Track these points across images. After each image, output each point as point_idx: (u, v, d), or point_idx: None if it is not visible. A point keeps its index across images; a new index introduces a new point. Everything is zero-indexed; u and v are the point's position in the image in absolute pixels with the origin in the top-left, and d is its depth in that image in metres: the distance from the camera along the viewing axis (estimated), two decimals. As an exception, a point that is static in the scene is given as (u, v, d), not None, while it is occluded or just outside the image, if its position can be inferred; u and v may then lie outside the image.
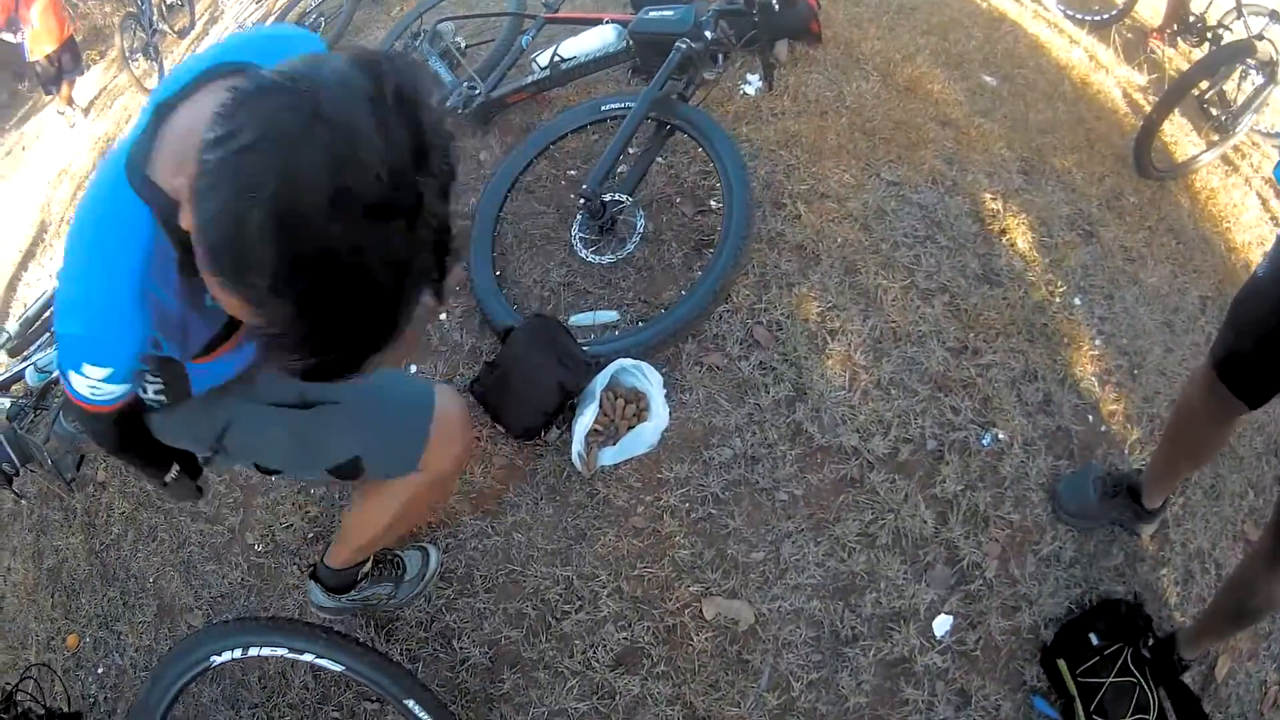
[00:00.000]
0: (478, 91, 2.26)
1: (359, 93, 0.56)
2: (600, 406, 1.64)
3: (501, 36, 2.42)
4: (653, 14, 1.97)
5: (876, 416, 1.65)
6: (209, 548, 1.77)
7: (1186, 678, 1.37)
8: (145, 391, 0.98)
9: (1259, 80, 2.49)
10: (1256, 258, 2.31)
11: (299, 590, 1.64)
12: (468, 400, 1.75)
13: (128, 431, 1.04)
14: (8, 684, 1.51)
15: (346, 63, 0.58)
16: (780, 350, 1.74)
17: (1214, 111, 2.60)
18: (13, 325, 2.33)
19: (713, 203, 2.00)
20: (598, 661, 1.44)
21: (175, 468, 1.14)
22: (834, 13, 2.65)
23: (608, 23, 2.15)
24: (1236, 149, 2.66)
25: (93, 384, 0.85)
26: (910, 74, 2.45)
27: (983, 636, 1.43)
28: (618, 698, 1.41)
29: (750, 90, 2.34)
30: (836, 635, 1.44)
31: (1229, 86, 2.62)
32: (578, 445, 1.59)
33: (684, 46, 1.85)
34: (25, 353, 2.18)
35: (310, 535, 1.70)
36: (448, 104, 2.27)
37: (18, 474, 1.76)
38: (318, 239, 0.55)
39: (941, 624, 1.44)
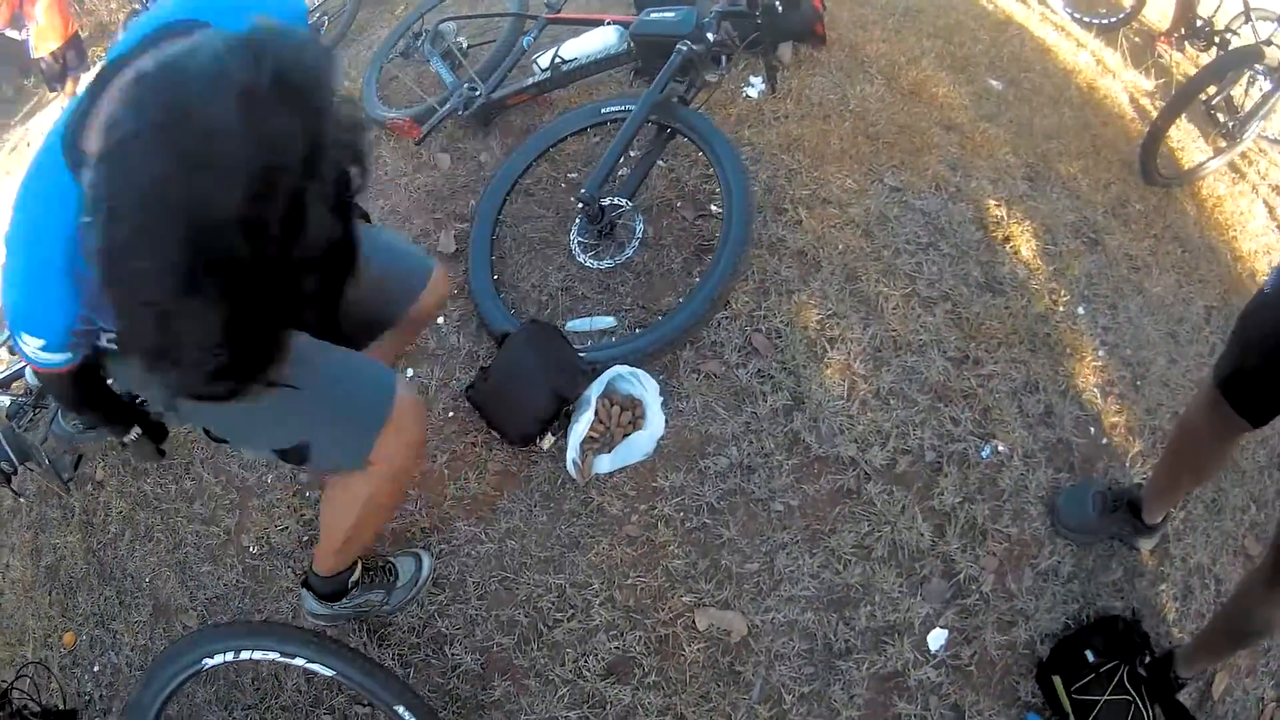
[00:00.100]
0: (478, 93, 2.25)
1: (230, 86, 0.50)
2: (596, 414, 1.63)
3: (503, 37, 2.41)
4: (654, 15, 1.96)
5: (875, 427, 1.64)
6: (204, 549, 1.77)
7: (1183, 694, 1.36)
8: (100, 339, 0.97)
9: (1267, 86, 2.45)
10: (1262, 267, 2.29)
11: (293, 593, 1.64)
12: (462, 405, 1.75)
13: (87, 391, 1.05)
14: (3, 681, 1.51)
15: (225, 48, 0.52)
16: (779, 358, 1.73)
17: (1221, 117, 2.56)
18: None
19: (714, 207, 1.99)
20: (589, 670, 1.43)
21: (136, 429, 1.14)
22: (839, 14, 2.63)
23: (609, 24, 2.14)
24: (1244, 156, 2.63)
25: (33, 351, 0.86)
26: (915, 77, 2.43)
27: (978, 651, 1.42)
28: (608, 707, 1.40)
29: (753, 93, 2.32)
30: (830, 648, 1.43)
31: (1236, 92, 2.59)
32: (573, 452, 1.58)
33: (686, 49, 1.84)
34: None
35: (305, 539, 1.70)
36: (449, 107, 2.23)
37: (16, 472, 1.77)
38: (168, 254, 0.50)
39: (936, 638, 1.43)
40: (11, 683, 1.48)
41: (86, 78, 5.27)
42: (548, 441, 1.67)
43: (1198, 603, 1.56)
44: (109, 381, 1.10)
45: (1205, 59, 2.95)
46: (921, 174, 2.12)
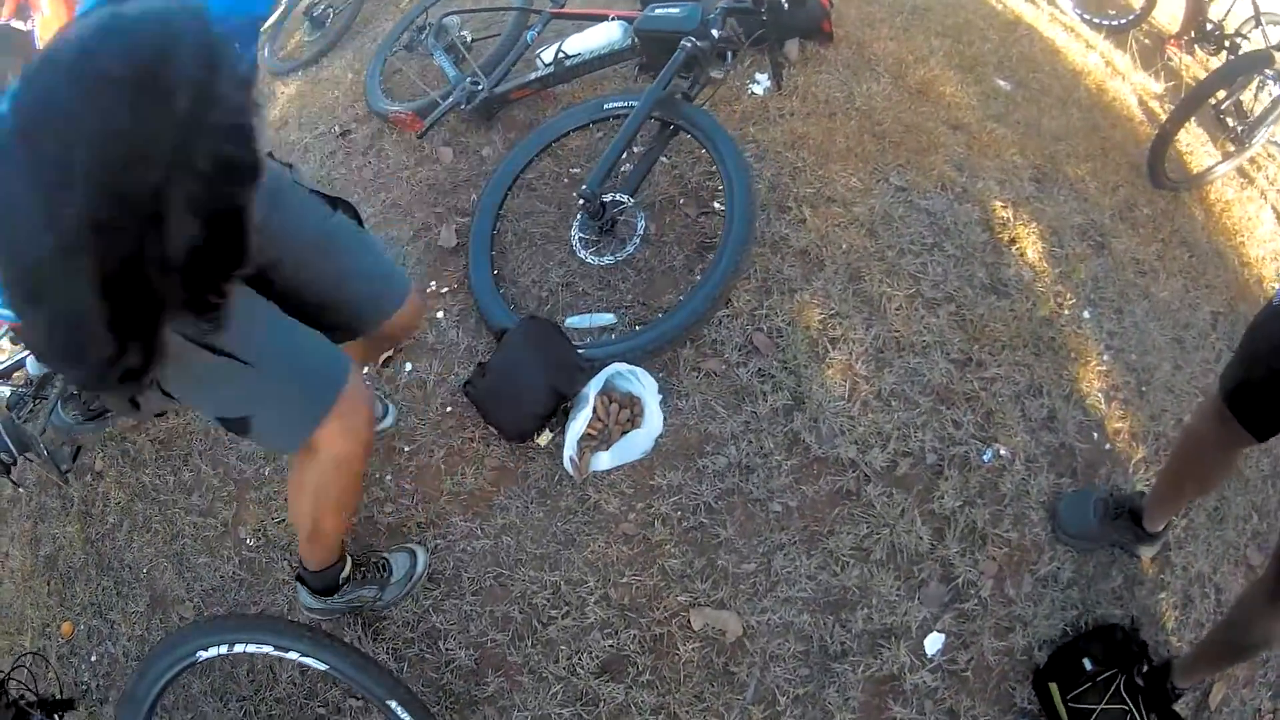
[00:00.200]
0: (481, 87, 2.24)
1: (92, 78, 0.48)
2: (594, 411, 1.62)
3: (506, 31, 2.40)
4: (659, 10, 1.94)
5: (876, 428, 1.63)
6: (202, 540, 1.77)
7: (1180, 704, 1.34)
8: None
9: (1277, 91, 2.42)
10: (1270, 273, 2.27)
11: (289, 586, 1.63)
12: (460, 401, 1.74)
13: None
14: (1, 670, 1.51)
15: (95, 30, 0.49)
16: (780, 358, 1.72)
17: (1230, 122, 2.53)
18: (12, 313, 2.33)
19: (716, 204, 1.97)
20: (582, 668, 1.43)
21: None
22: (846, 12, 2.61)
23: (614, 19, 2.12)
24: (1252, 161, 2.60)
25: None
26: (923, 76, 2.41)
27: (975, 656, 1.41)
28: (601, 705, 1.40)
29: (758, 90, 2.31)
30: (825, 650, 1.42)
31: (1246, 97, 2.56)
32: (570, 449, 1.57)
33: (690, 45, 1.82)
34: (26, 339, 2.19)
35: (301, 531, 1.70)
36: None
37: (15, 463, 1.77)
38: (27, 259, 0.50)
39: (933, 642, 1.42)
40: (9, 672, 1.48)
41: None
42: (545, 438, 1.67)
43: (1197, 612, 1.55)
44: None
45: (1215, 63, 2.92)
46: (927, 174, 2.10)
